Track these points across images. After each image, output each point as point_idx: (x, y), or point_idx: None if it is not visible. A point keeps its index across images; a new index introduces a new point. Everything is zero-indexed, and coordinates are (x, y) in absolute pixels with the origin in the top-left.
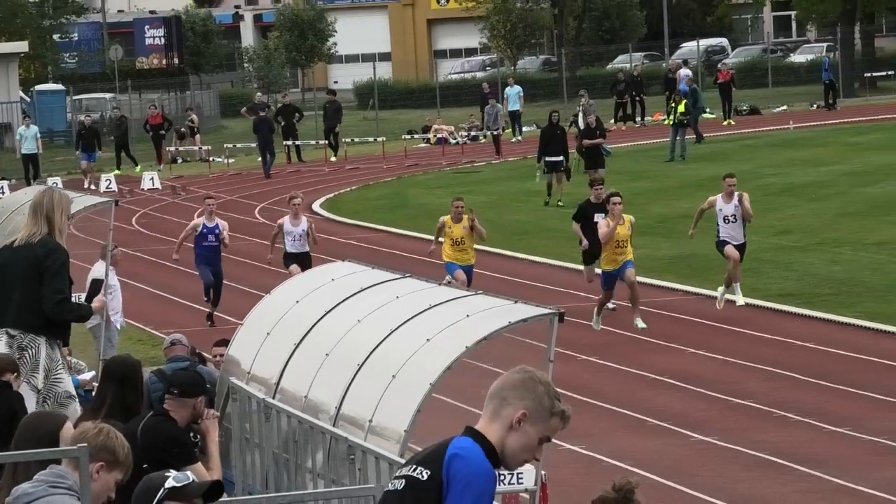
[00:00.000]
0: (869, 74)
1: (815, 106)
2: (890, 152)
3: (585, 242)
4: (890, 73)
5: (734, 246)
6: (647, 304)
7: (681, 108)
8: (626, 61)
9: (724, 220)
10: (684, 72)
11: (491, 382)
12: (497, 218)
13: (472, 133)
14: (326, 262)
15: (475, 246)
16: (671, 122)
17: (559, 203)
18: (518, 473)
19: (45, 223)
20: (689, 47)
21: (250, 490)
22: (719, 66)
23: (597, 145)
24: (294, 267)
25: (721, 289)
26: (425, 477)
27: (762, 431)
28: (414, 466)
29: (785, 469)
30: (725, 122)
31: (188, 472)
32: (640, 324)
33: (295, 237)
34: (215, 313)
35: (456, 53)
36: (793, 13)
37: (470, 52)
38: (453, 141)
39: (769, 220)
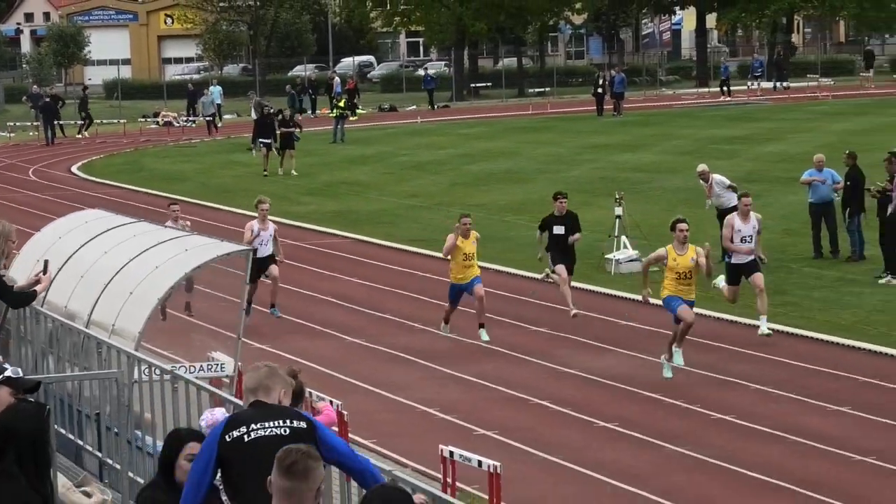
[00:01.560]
0: (473, 85)
1: (435, 107)
2: (488, 141)
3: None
4: (489, 84)
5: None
6: (314, 244)
7: (341, 104)
8: (302, 70)
9: (742, 240)
10: (337, 79)
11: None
12: (207, 181)
13: (191, 118)
14: (81, 210)
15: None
16: (334, 115)
17: (293, 173)
18: (221, 364)
19: None
20: (346, 62)
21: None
22: (347, 77)
23: (290, 132)
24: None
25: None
26: (305, 426)
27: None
28: (288, 420)
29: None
30: (354, 118)
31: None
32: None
33: (263, 241)
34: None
35: (178, 60)
36: (421, 39)
37: (189, 59)
38: (177, 124)
39: (402, 188)
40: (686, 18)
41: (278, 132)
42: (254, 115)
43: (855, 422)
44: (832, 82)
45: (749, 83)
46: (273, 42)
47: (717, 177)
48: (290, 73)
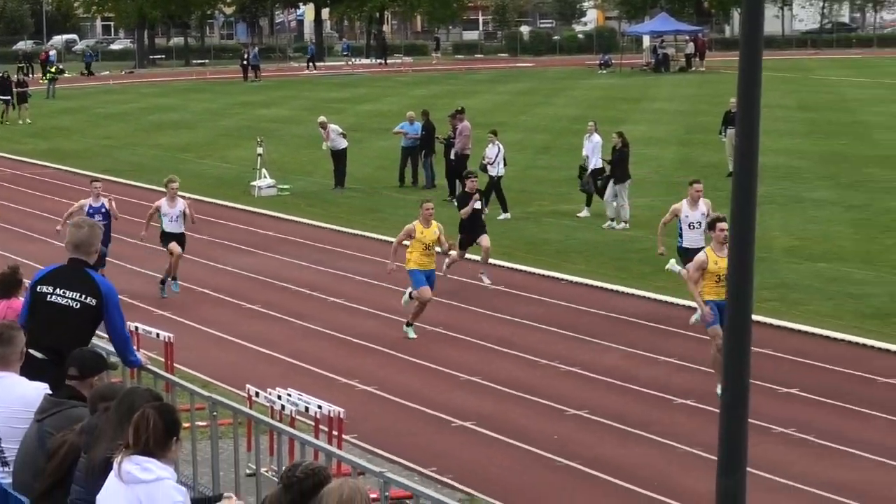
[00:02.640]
0: (151, 57)
1: (123, 72)
2: (162, 98)
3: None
4: (163, 56)
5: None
6: (31, 173)
7: (53, 70)
8: (23, 45)
9: (690, 226)
10: (53, 52)
11: None
12: None
13: None
14: None
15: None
16: (47, 79)
17: (28, 121)
18: None
19: None
20: (57, 39)
21: None
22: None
23: (24, 91)
24: (173, 245)
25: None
26: (94, 303)
27: None
28: (80, 294)
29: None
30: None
31: None
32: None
33: (172, 217)
34: None
35: None
36: (112, 22)
37: None
38: None
39: (99, 132)
40: (308, 11)
41: (15, 91)
42: None
43: None
44: (412, 60)
45: (347, 60)
46: (1, 23)
47: (332, 126)
48: (13, 47)
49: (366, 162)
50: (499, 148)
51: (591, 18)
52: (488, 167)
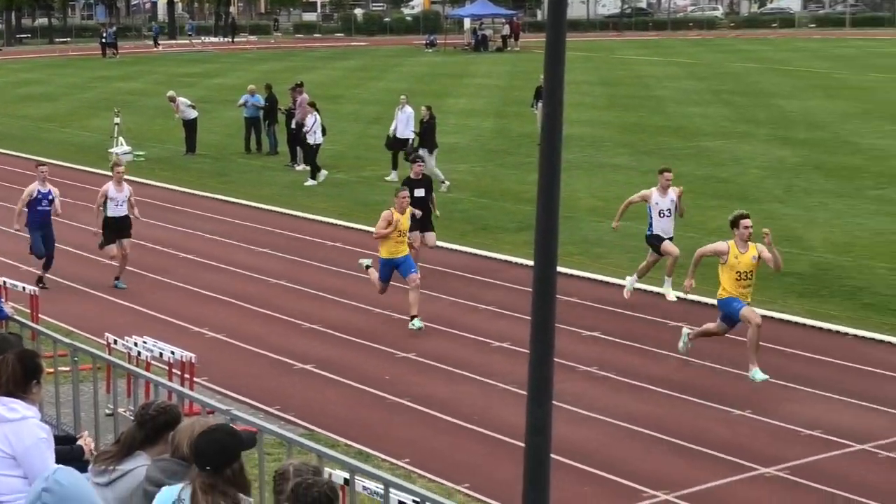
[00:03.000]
0: (18, 36)
1: None
2: (29, 73)
3: (417, 212)
4: (29, 35)
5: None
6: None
7: None
8: None
9: (660, 214)
10: None
11: None
12: None
13: None
14: None
15: None
16: None
17: None
18: None
19: None
20: None
21: None
22: None
23: None
24: (110, 248)
25: (630, 278)
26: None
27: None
28: None
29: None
30: None
31: None
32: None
33: (118, 202)
34: (46, 275)
35: None
36: None
37: None
38: None
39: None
40: None
41: None
42: None
43: None
44: (257, 38)
45: (191, 39)
46: None
47: (181, 99)
48: None
49: (215, 130)
50: (315, 118)
51: (419, 3)
52: (307, 136)
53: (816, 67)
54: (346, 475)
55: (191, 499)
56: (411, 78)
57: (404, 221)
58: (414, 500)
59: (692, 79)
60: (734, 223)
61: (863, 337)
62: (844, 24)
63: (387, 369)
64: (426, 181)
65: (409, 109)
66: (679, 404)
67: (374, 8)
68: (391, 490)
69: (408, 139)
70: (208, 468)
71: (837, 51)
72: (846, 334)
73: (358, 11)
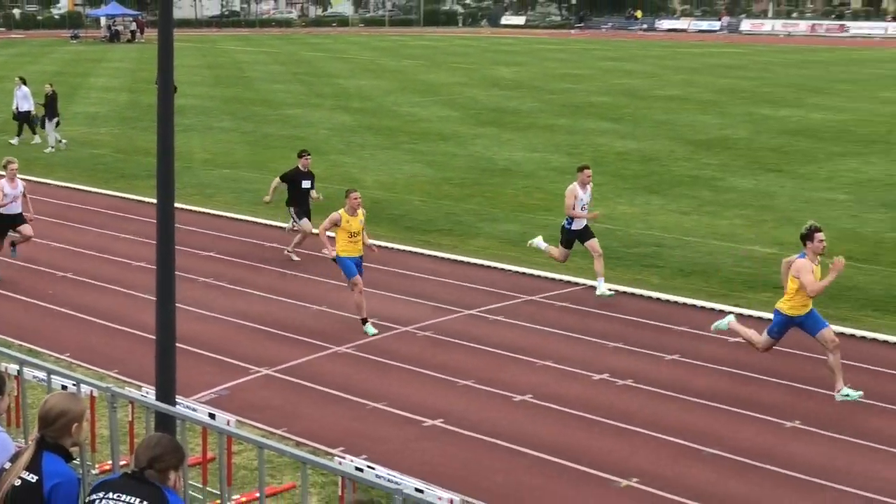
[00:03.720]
0: None
1: None
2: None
3: (293, 211)
4: None
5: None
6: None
7: None
8: None
9: (583, 209)
10: None
11: None
12: None
13: None
14: None
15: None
16: None
17: None
18: None
19: None
20: None
21: None
22: None
23: None
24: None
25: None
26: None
27: None
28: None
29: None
30: None
31: None
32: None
33: (11, 199)
34: None
35: None
36: None
37: None
38: None
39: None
40: None
41: None
42: None
43: None
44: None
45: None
46: None
47: (24, 88)
48: None
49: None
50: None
51: (64, 4)
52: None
53: (365, 56)
54: (17, 367)
55: None
56: (60, 62)
57: (354, 223)
58: (73, 383)
59: (276, 64)
60: (807, 237)
61: (408, 251)
62: (384, 23)
63: (50, 286)
64: (311, 174)
65: (25, 89)
66: (274, 304)
67: (29, 9)
68: (53, 376)
69: (29, 111)
70: None
71: (379, 44)
72: (396, 249)
73: (16, 11)
